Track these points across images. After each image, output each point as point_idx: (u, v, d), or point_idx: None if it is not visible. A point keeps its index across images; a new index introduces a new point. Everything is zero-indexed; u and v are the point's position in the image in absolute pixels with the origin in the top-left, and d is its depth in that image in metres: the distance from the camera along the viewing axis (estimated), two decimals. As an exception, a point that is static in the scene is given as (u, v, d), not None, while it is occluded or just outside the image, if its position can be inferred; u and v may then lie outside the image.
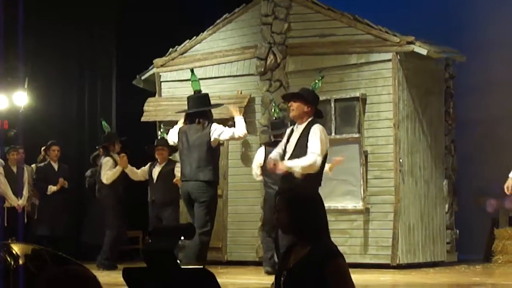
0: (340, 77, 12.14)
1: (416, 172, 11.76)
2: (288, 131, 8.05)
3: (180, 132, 9.24)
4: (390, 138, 11.47)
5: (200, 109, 9.20)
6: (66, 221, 12.98)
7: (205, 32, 13.37)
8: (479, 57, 12.68)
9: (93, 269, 4.10)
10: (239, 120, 9.16)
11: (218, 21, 13.24)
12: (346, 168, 11.06)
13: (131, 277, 3.72)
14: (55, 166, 12.97)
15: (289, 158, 7.68)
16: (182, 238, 3.77)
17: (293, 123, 8.12)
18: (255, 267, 11.45)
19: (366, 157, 11.68)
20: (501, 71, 12.46)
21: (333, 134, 11.54)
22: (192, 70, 9.72)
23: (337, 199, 11.57)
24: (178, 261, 3.78)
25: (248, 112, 12.42)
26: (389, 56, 11.72)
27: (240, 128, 9.06)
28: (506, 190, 7.52)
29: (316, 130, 7.63)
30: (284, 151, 7.81)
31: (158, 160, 11.79)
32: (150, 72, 13.89)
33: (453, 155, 12.40)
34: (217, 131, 9.00)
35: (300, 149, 7.62)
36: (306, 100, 7.75)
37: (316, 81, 8.31)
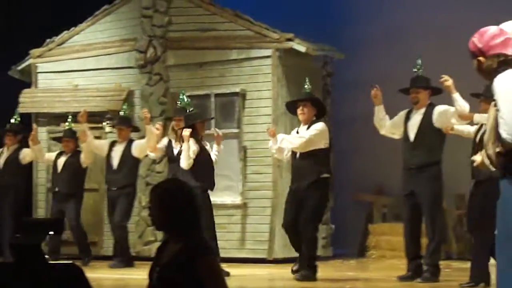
0: (220, 72, 12.16)
1: (294, 168, 11.87)
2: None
3: None
4: (269, 133, 11.55)
5: None
6: None
7: (83, 23, 13.16)
8: (357, 55, 12.90)
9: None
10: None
11: (97, 12, 13.05)
12: (225, 163, 11.09)
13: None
14: None
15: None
16: (51, 232, 3.69)
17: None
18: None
19: (245, 152, 11.75)
20: (378, 69, 12.72)
21: (212, 128, 11.52)
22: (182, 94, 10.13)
23: (216, 194, 11.52)
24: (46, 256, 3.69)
25: (128, 105, 12.27)
26: (269, 52, 11.81)
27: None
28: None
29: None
30: None
31: (65, 150, 11.49)
32: (27, 63, 13.56)
33: (331, 151, 12.56)
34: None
35: None
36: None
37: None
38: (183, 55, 12.42)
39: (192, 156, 9.44)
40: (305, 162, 8.96)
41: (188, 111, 9.84)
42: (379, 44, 13.22)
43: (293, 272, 8.94)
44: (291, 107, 9.48)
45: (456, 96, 8.44)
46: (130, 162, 11.09)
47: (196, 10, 12.42)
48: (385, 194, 13.22)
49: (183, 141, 9.51)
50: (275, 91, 11.71)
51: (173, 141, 10.25)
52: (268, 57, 11.82)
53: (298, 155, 9.06)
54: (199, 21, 12.40)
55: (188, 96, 10.36)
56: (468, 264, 11.27)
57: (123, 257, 11.01)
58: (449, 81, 8.44)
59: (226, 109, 11.91)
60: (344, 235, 12.74)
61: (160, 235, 12.26)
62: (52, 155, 11.71)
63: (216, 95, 12.04)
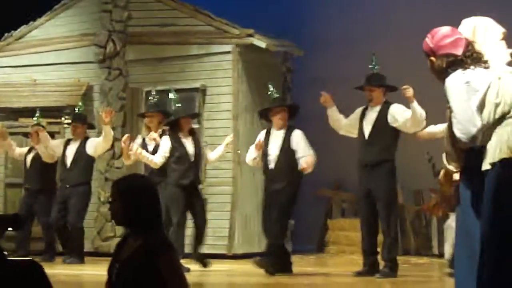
0: (180, 67, 12.14)
1: (254, 163, 11.88)
2: None
3: None
4: (229, 129, 11.53)
5: None
6: None
7: (42, 18, 13.05)
8: (316, 53, 12.95)
9: None
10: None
11: (56, 6, 12.95)
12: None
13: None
14: None
15: None
16: (10, 229, 3.66)
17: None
18: (91, 257, 11.26)
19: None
20: (336, 66, 12.78)
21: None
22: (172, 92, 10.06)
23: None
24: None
25: (86, 100, 12.22)
26: (229, 48, 11.82)
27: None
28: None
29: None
30: None
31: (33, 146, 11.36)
32: (-16, 57, 13.42)
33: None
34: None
35: None
36: None
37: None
38: (142, 50, 12.37)
39: (164, 154, 9.50)
40: (282, 165, 9.12)
41: (175, 107, 9.88)
42: (338, 42, 13.27)
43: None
44: (264, 114, 9.55)
45: (415, 105, 8.52)
46: (84, 160, 10.95)
47: (156, 5, 12.38)
48: (344, 190, 13.28)
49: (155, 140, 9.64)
50: (235, 87, 11.72)
51: (146, 138, 10.18)
52: (228, 52, 11.82)
53: (275, 159, 9.17)
54: (159, 16, 12.36)
55: (149, 91, 10.33)
56: (425, 259, 11.41)
57: (79, 253, 10.87)
58: (410, 91, 8.49)
59: (186, 104, 11.86)
60: (303, 231, 12.77)
61: (119, 230, 12.22)
62: (24, 150, 11.57)
63: (176, 90, 11.98)
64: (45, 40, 12.95)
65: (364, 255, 8.91)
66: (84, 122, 11.12)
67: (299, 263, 11.10)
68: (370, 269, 8.78)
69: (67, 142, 11.12)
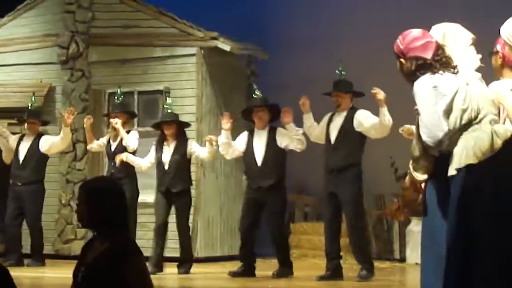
0: (144, 69, 12.09)
1: (217, 166, 11.88)
2: None
3: None
4: (193, 132, 11.48)
5: None
6: None
7: (5, 18, 12.92)
8: (280, 56, 12.96)
9: None
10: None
11: (19, 6, 12.83)
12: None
13: None
14: None
15: None
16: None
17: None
18: (52, 260, 11.15)
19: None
20: (302, 68, 12.81)
21: (135, 126, 11.44)
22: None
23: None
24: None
25: (48, 101, 12.12)
26: (193, 50, 11.79)
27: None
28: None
29: None
30: None
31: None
32: None
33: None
34: None
35: None
36: None
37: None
38: (106, 51, 12.30)
39: (150, 160, 9.93)
40: (269, 162, 9.36)
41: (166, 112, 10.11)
42: (303, 44, 13.30)
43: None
44: (246, 113, 9.77)
45: (385, 110, 8.57)
46: (36, 157, 10.71)
47: (119, 7, 12.32)
48: (307, 194, 13.30)
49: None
50: (199, 90, 11.70)
51: (111, 138, 10.21)
52: (192, 55, 11.79)
53: (262, 156, 9.37)
54: (122, 17, 12.30)
55: (112, 93, 10.30)
56: (387, 264, 11.47)
57: (40, 255, 10.73)
58: (380, 95, 8.55)
59: (150, 106, 11.84)
60: (266, 235, 12.74)
61: (80, 233, 12.14)
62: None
63: (140, 92, 11.97)
64: (7, 41, 12.82)
65: (328, 259, 8.94)
66: (38, 118, 10.96)
67: (261, 267, 11.10)
68: (333, 273, 8.82)
69: (21, 138, 10.88)
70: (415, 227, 11.74)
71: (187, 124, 10.23)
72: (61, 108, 12.28)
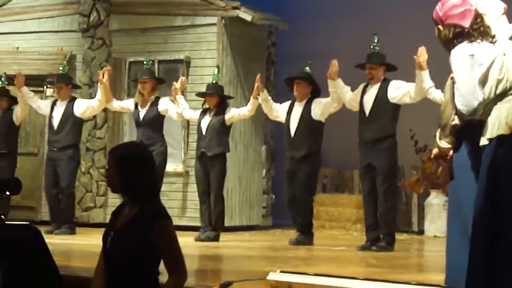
0: (164, 38, 12.07)
1: (236, 137, 11.88)
2: None
3: None
4: (213, 102, 11.50)
5: None
6: None
7: (26, -15, 12.92)
8: (300, 27, 12.92)
9: None
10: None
11: (40, -26, 12.82)
12: (167, 130, 10.96)
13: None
14: None
15: None
16: (8, 193, 3.64)
17: None
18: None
19: (187, 120, 11.66)
20: (321, 40, 12.78)
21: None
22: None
23: (157, 161, 11.52)
24: (2, 216, 3.63)
25: (69, 69, 12.12)
26: (214, 20, 11.75)
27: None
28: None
29: None
30: None
31: None
32: (-34, 24, 13.27)
33: (272, 121, 12.60)
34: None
35: None
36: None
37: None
38: (126, 20, 12.28)
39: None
40: (303, 134, 9.48)
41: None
42: (322, 17, 13.25)
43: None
44: (289, 82, 9.82)
45: (426, 73, 8.49)
46: (71, 121, 10.66)
47: (141, -25, 12.29)
48: (326, 165, 13.29)
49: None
50: (219, 59, 11.67)
51: (139, 105, 10.26)
52: (213, 24, 11.76)
53: (295, 127, 9.53)
54: (143, -15, 12.27)
55: (132, 62, 10.30)
56: (405, 236, 11.48)
57: (71, 223, 10.71)
58: (423, 57, 8.42)
59: (170, 76, 11.82)
60: (284, 205, 12.79)
61: (99, 201, 12.21)
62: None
63: (160, 61, 11.96)
64: (28, 8, 12.82)
65: (367, 230, 9.05)
66: (68, 82, 10.92)
67: (279, 236, 11.15)
68: (372, 244, 8.90)
69: (54, 103, 10.82)
70: (434, 199, 11.75)
71: (228, 97, 10.54)
72: (81, 76, 12.30)
